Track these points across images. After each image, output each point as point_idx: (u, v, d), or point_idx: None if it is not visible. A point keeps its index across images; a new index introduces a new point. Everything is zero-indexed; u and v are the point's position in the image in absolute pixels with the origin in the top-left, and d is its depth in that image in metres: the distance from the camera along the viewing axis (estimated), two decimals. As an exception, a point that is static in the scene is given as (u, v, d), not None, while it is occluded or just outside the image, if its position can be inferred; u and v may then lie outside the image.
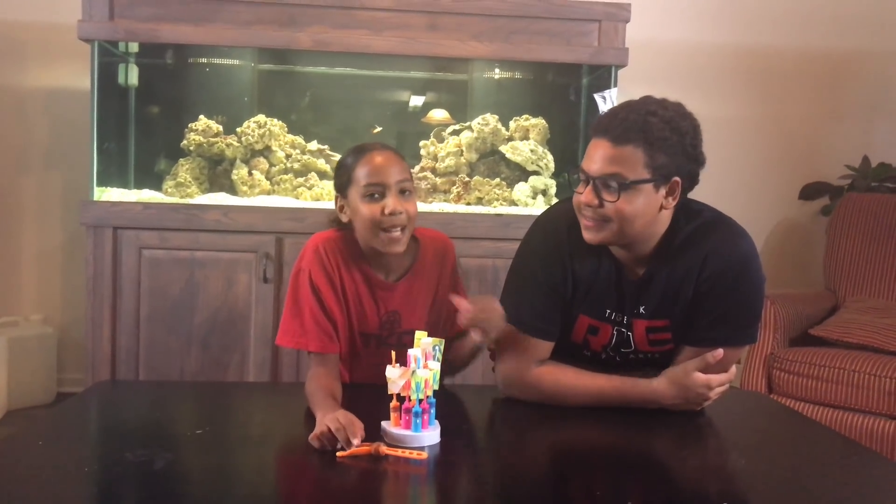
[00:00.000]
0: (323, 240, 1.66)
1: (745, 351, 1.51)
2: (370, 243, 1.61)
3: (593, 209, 1.41)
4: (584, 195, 1.42)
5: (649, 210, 1.41)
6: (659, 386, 1.48)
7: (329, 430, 1.24)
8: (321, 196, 2.98)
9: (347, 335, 1.66)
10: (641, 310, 1.52)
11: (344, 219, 1.65)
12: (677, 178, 1.41)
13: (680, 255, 1.47)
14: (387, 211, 1.56)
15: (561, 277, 1.52)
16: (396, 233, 1.58)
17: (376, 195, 1.57)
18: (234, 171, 2.98)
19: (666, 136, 1.40)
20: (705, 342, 1.46)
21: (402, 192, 1.59)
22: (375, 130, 3.26)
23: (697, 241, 1.47)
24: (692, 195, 1.50)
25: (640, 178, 1.38)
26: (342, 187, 1.64)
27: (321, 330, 1.61)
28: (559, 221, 1.55)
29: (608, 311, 1.54)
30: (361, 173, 1.58)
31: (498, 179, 3.06)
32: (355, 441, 1.23)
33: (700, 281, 1.46)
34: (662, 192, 1.41)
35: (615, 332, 1.55)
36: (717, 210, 1.54)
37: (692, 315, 1.48)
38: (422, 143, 3.18)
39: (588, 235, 1.45)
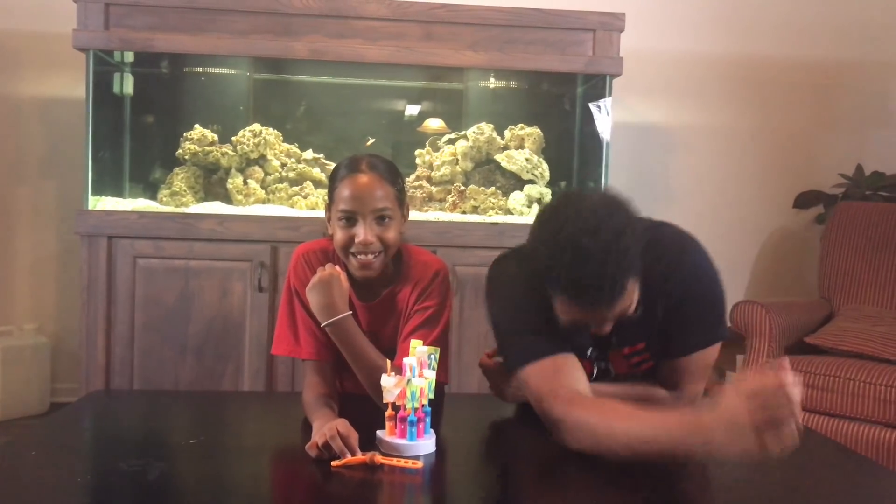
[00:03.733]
0: (306, 250, 1.66)
1: (717, 352, 1.47)
2: (345, 263, 1.61)
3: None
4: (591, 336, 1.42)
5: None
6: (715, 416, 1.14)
7: (325, 439, 1.23)
8: (316, 205, 2.98)
9: (327, 344, 1.61)
10: (614, 341, 1.51)
11: (329, 231, 1.63)
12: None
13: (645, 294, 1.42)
14: (357, 240, 1.54)
15: (545, 303, 1.41)
16: (366, 258, 1.56)
17: (350, 221, 1.55)
18: (230, 180, 2.98)
19: (635, 265, 1.30)
20: (684, 351, 1.46)
21: (381, 219, 1.56)
22: (369, 142, 3.26)
23: (649, 266, 1.39)
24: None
25: (636, 304, 1.36)
26: (329, 200, 1.63)
27: (313, 338, 1.60)
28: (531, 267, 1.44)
29: (588, 350, 1.52)
30: (341, 195, 1.56)
31: (493, 188, 3.06)
32: (349, 455, 1.22)
33: (668, 307, 1.45)
34: None
35: (595, 368, 1.54)
36: (651, 222, 1.47)
37: (664, 331, 1.47)
38: (417, 151, 3.18)
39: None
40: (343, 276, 1.56)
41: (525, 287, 1.44)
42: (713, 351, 1.48)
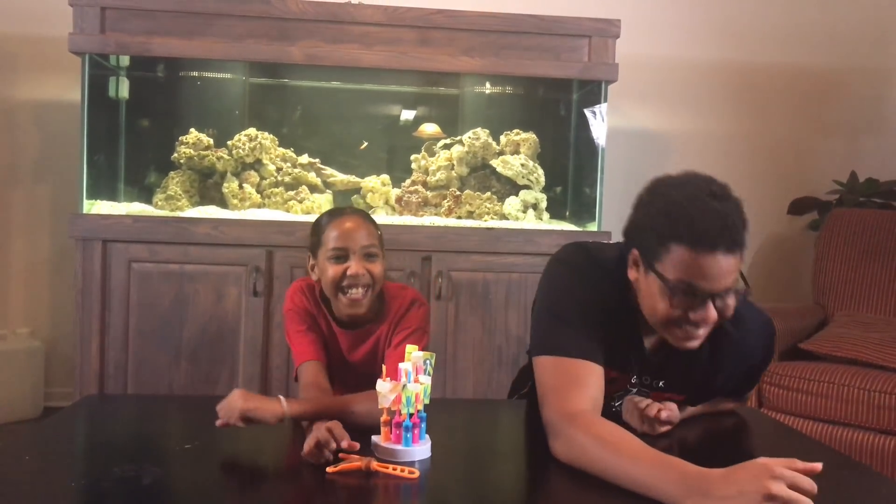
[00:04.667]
0: (301, 285, 1.79)
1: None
2: (334, 304, 1.72)
3: (711, 320, 1.31)
4: (708, 313, 1.28)
5: None
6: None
7: (317, 442, 1.25)
8: (312, 209, 2.98)
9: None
10: (660, 384, 1.51)
11: (314, 277, 1.74)
12: None
13: (716, 347, 1.45)
14: (349, 273, 1.66)
15: (602, 309, 1.40)
16: (357, 293, 1.67)
17: (341, 258, 1.67)
18: (225, 185, 2.98)
19: (747, 231, 1.30)
20: (718, 395, 1.51)
21: (368, 255, 1.68)
22: (362, 146, 3.27)
23: (739, 344, 1.46)
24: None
25: (742, 278, 1.31)
26: (314, 248, 1.74)
27: (303, 345, 1.71)
28: (602, 265, 1.44)
29: (631, 375, 1.50)
30: (330, 237, 1.69)
31: (489, 193, 3.06)
32: (343, 444, 1.26)
33: (731, 363, 1.50)
34: None
35: (627, 388, 1.53)
36: (756, 308, 1.52)
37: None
38: (413, 156, 3.18)
39: (693, 345, 1.34)
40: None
41: (589, 281, 1.41)
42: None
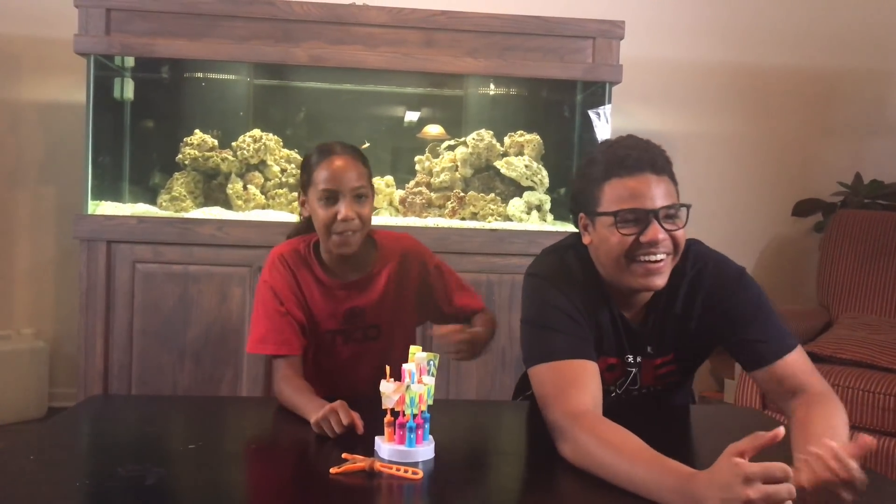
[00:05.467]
0: (280, 252, 1.78)
1: (802, 358, 1.47)
2: (324, 243, 1.72)
3: (664, 245, 1.38)
4: (654, 231, 1.35)
5: None
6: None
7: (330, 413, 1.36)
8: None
9: (314, 334, 1.76)
10: (648, 349, 1.54)
11: (304, 213, 1.76)
12: None
13: (686, 297, 1.49)
14: (339, 217, 1.66)
15: (581, 306, 1.44)
16: (347, 236, 1.68)
17: (331, 200, 1.67)
18: (229, 186, 2.99)
19: (671, 164, 1.43)
20: (779, 353, 1.44)
21: (358, 197, 1.68)
22: (364, 146, 3.27)
23: (702, 286, 1.49)
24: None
25: (678, 202, 1.40)
26: (304, 185, 1.74)
27: (285, 333, 1.70)
28: (567, 261, 1.51)
29: (627, 355, 1.54)
30: (320, 177, 1.68)
31: (492, 195, 3.06)
32: (358, 423, 1.37)
33: (702, 305, 1.49)
34: None
35: (627, 371, 1.56)
36: (695, 242, 1.54)
37: (728, 341, 1.49)
38: (417, 158, 3.19)
39: (659, 280, 1.40)
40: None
41: (561, 283, 1.46)
42: (800, 356, 1.46)
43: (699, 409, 1.73)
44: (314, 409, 1.43)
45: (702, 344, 1.56)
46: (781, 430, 1.05)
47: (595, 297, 1.47)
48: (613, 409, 1.34)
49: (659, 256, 1.38)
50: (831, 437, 1.18)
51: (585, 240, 1.48)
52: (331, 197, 1.67)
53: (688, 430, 1.53)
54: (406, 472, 1.20)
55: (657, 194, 1.36)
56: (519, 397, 1.88)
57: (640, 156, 1.37)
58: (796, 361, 1.44)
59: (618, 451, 1.18)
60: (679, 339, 1.54)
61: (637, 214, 1.36)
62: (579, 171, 1.48)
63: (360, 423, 1.38)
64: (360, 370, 1.78)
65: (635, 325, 1.52)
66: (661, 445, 1.19)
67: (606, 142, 1.48)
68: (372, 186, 1.75)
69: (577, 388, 1.33)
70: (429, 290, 1.84)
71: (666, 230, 1.37)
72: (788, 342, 1.45)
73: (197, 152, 2.98)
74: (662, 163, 1.39)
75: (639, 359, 1.55)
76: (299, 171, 1.80)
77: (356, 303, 1.76)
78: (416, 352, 1.33)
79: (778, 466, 1.00)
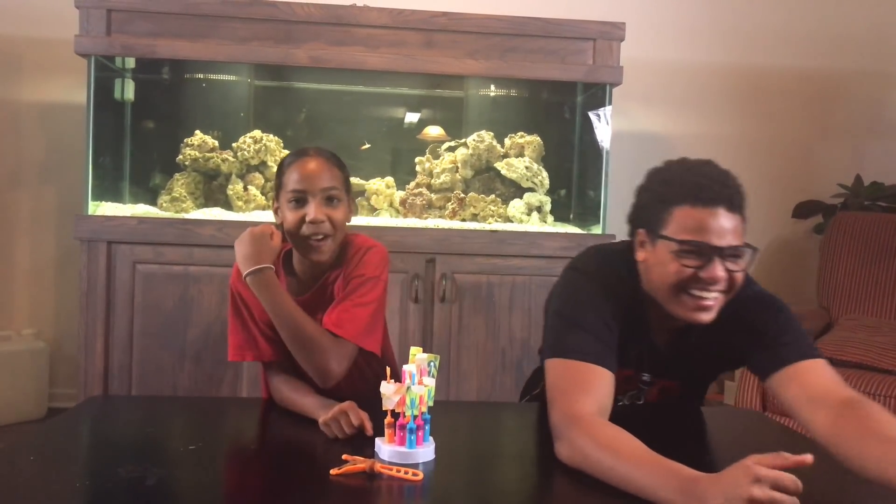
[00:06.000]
0: None
1: (826, 366, 1.39)
2: (295, 251, 1.64)
3: (721, 283, 1.34)
4: (715, 269, 1.31)
5: None
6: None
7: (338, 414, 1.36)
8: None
9: (282, 344, 1.62)
10: (664, 372, 1.55)
11: (277, 220, 1.66)
12: None
13: (715, 328, 1.42)
14: (308, 219, 1.57)
15: (615, 315, 1.41)
16: (317, 240, 1.59)
17: (300, 202, 1.59)
18: (230, 187, 2.99)
19: (745, 202, 1.38)
20: (778, 364, 1.39)
21: (329, 199, 1.60)
22: (364, 147, 3.27)
23: (739, 316, 1.44)
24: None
25: (748, 245, 1.36)
26: (276, 190, 1.67)
27: (271, 341, 1.63)
28: (614, 267, 1.47)
29: (643, 374, 1.54)
30: (290, 179, 1.60)
31: (493, 196, 3.06)
32: (367, 424, 1.36)
33: (730, 336, 1.45)
34: None
35: (638, 386, 1.57)
36: (759, 287, 1.52)
37: (748, 353, 1.45)
38: (417, 159, 3.19)
39: (707, 316, 1.36)
40: (276, 235, 1.60)
41: (601, 286, 1.43)
42: (823, 363, 1.39)
43: (696, 412, 1.73)
44: (319, 408, 1.43)
45: (717, 368, 1.57)
46: (810, 457, 1.02)
47: (631, 311, 1.44)
48: (618, 416, 1.34)
49: (713, 294, 1.34)
50: None
51: (639, 256, 1.42)
52: (300, 199, 1.59)
53: (687, 432, 1.53)
54: (406, 473, 1.20)
55: (727, 232, 1.31)
56: (526, 396, 1.88)
57: (719, 189, 1.32)
58: (821, 367, 1.37)
59: (616, 452, 1.17)
60: (695, 366, 1.53)
61: (702, 248, 1.31)
62: (648, 185, 1.42)
63: (368, 425, 1.36)
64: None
65: (661, 347, 1.50)
66: (661, 448, 1.19)
67: (684, 162, 1.40)
68: (348, 192, 1.66)
69: (585, 391, 1.31)
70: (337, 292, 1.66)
71: (728, 269, 1.33)
72: (812, 350, 1.39)
73: (197, 153, 2.98)
74: (739, 200, 1.34)
75: (651, 377, 1.56)
76: (274, 177, 1.70)
77: (315, 311, 1.63)
78: (416, 353, 1.33)
79: (790, 478, 0.99)
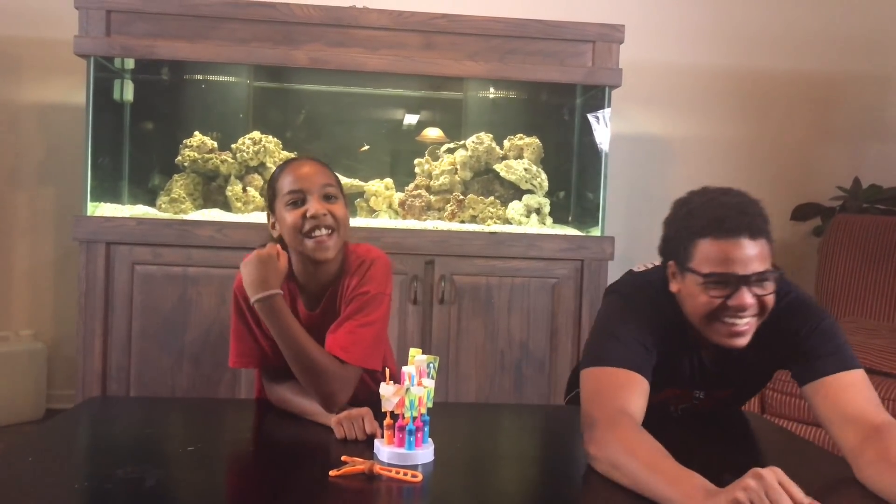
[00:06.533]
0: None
1: (862, 380, 1.39)
2: (299, 251, 1.59)
3: (751, 309, 1.37)
4: (742, 298, 1.35)
5: None
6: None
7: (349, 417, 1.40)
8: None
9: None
10: (716, 386, 1.60)
11: (275, 234, 1.64)
12: None
13: (760, 335, 1.45)
14: (309, 214, 1.55)
15: (654, 339, 1.45)
16: (322, 234, 1.56)
17: (298, 202, 1.57)
18: (229, 188, 2.98)
19: (769, 223, 1.41)
20: (813, 376, 1.41)
21: (327, 196, 1.59)
22: (363, 149, 3.27)
23: (777, 326, 1.46)
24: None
25: (773, 267, 1.39)
26: (271, 203, 1.64)
27: (261, 347, 1.63)
28: (651, 291, 1.50)
29: (696, 391, 1.60)
30: (284, 183, 1.59)
31: (492, 198, 3.06)
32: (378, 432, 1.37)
33: (775, 346, 1.48)
34: None
35: (692, 400, 1.63)
36: (798, 290, 1.54)
37: (790, 360, 1.48)
38: (416, 160, 3.19)
39: (741, 341, 1.40)
40: (283, 257, 1.59)
41: (640, 305, 1.47)
42: (859, 376, 1.40)
43: (696, 414, 1.73)
44: (319, 409, 1.49)
45: (765, 375, 1.63)
46: None
47: (674, 333, 1.47)
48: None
49: (745, 320, 1.38)
50: None
51: (673, 287, 1.46)
52: (297, 200, 1.57)
53: (687, 435, 1.53)
54: (405, 474, 1.20)
55: (751, 260, 1.34)
56: (571, 392, 1.94)
57: (738, 219, 1.34)
58: (857, 382, 1.38)
59: (636, 455, 1.19)
60: (743, 377, 1.59)
61: (728, 279, 1.35)
62: (673, 217, 1.45)
63: (379, 433, 1.37)
64: None
65: (708, 364, 1.54)
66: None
67: (705, 193, 1.43)
68: (343, 195, 1.64)
69: (618, 395, 1.34)
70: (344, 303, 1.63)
71: (756, 294, 1.36)
72: (849, 361, 1.40)
73: (196, 154, 2.98)
74: (760, 224, 1.36)
75: (703, 393, 1.61)
76: (266, 193, 1.67)
77: (320, 334, 1.60)
78: (415, 354, 1.33)
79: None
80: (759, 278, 1.36)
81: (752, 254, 1.34)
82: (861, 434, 1.28)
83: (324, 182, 1.59)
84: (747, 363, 1.51)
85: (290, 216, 1.57)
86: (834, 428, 1.34)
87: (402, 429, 1.28)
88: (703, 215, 1.37)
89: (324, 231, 1.56)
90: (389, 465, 1.24)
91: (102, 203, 2.88)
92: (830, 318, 1.48)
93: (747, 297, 1.35)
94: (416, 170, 3.17)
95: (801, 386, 1.43)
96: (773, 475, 1.01)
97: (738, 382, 1.61)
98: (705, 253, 1.36)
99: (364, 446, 1.31)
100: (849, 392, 1.36)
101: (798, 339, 1.45)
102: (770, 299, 1.38)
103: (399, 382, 1.30)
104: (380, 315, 1.60)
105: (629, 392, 1.35)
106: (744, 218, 1.34)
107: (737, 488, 1.01)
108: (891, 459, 1.20)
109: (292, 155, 3.09)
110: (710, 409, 1.66)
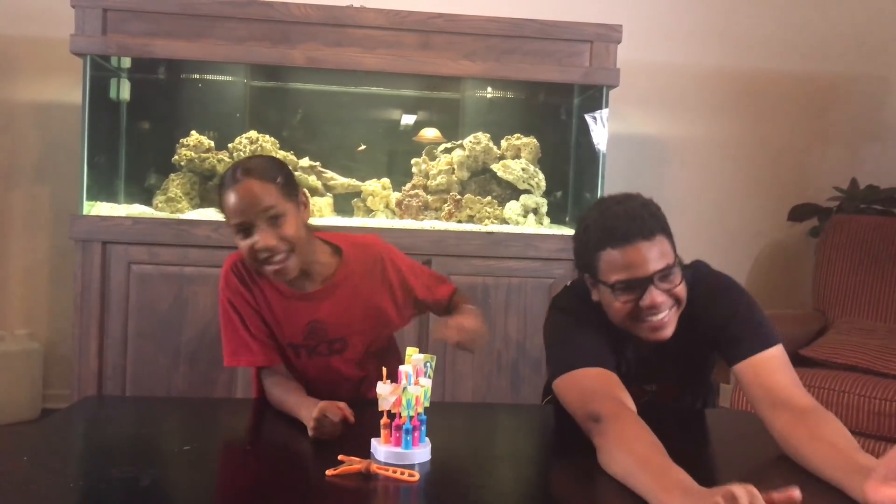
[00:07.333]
0: (233, 260, 1.67)
1: (782, 358, 1.46)
2: (261, 274, 1.62)
3: (664, 304, 1.42)
4: (652, 297, 1.40)
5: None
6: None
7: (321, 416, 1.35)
8: (312, 213, 2.97)
9: (276, 347, 1.68)
10: (663, 377, 1.63)
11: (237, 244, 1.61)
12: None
13: (686, 321, 1.50)
14: (256, 248, 1.53)
15: (597, 331, 1.50)
16: (277, 264, 1.55)
17: (247, 231, 1.54)
18: (225, 187, 2.98)
19: (664, 218, 1.46)
20: (739, 357, 1.46)
21: (273, 219, 1.53)
22: (360, 148, 3.27)
23: (697, 306, 1.51)
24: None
25: (675, 259, 1.43)
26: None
27: (264, 345, 1.65)
28: (586, 299, 1.54)
29: (645, 384, 1.61)
30: (228, 211, 1.55)
31: (489, 198, 3.06)
32: (348, 412, 1.37)
33: (713, 327, 1.51)
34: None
35: (644, 397, 1.62)
36: (696, 265, 1.59)
37: (718, 345, 1.52)
38: (413, 160, 3.18)
39: (666, 332, 1.45)
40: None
41: (580, 315, 1.51)
42: (780, 354, 1.46)
43: (693, 414, 1.73)
44: (302, 407, 1.45)
45: (702, 359, 1.64)
46: (797, 495, 1.02)
47: (610, 334, 1.50)
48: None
49: (661, 314, 1.42)
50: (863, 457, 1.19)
51: (594, 297, 1.50)
52: (245, 229, 1.53)
53: (686, 434, 1.53)
54: (402, 474, 1.20)
55: (650, 260, 1.39)
56: (546, 398, 1.94)
57: (628, 226, 1.39)
58: (778, 362, 1.44)
59: (635, 451, 1.20)
60: (687, 364, 1.61)
61: (633, 284, 1.40)
62: (576, 233, 1.51)
63: (349, 413, 1.38)
64: (335, 380, 1.73)
65: (647, 355, 1.57)
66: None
67: (600, 205, 1.49)
68: (293, 198, 1.58)
69: (596, 391, 1.37)
70: (409, 290, 1.76)
71: (665, 289, 1.41)
72: (768, 339, 1.46)
73: (193, 153, 2.97)
74: (652, 224, 1.40)
75: (655, 386, 1.64)
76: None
77: (317, 316, 1.66)
78: (412, 353, 1.33)
79: None
80: (664, 275, 1.40)
81: (650, 254, 1.38)
82: (790, 416, 1.33)
83: (265, 206, 1.51)
84: (681, 350, 1.54)
85: (242, 244, 1.55)
86: (764, 408, 1.39)
87: (398, 428, 1.27)
88: (598, 228, 1.43)
89: (279, 258, 1.55)
90: (386, 464, 1.24)
91: (99, 202, 2.87)
92: (746, 295, 1.53)
93: (657, 295, 1.40)
94: (414, 170, 3.17)
95: (730, 367, 1.49)
96: (746, 495, 0.99)
97: (680, 370, 1.63)
98: (607, 263, 1.41)
99: (361, 446, 1.31)
100: (775, 374, 1.42)
101: (718, 323, 1.49)
102: (680, 290, 1.43)
103: (396, 381, 1.30)
104: (417, 265, 1.82)
105: (614, 384, 1.40)
106: (633, 223, 1.39)
107: (716, 495, 1.00)
108: (822, 438, 1.26)
109: (289, 155, 3.09)
110: (668, 403, 1.68)
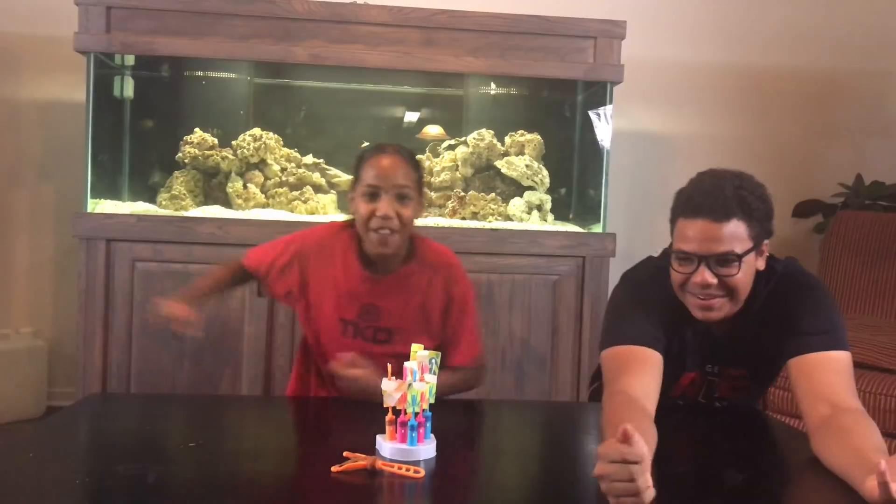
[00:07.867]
0: (332, 227, 1.82)
1: (843, 363, 1.43)
2: (363, 239, 1.71)
3: (714, 288, 1.43)
4: (702, 276, 1.41)
5: (751, 276, 1.47)
6: None
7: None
8: (316, 210, 2.98)
9: (329, 317, 1.76)
10: (728, 359, 1.61)
11: (351, 209, 1.74)
12: (766, 241, 1.48)
13: (763, 312, 1.52)
14: (378, 213, 1.65)
15: (661, 312, 1.51)
16: (385, 234, 1.66)
17: (373, 196, 1.66)
18: (229, 185, 2.98)
19: (758, 206, 1.44)
20: (800, 351, 1.45)
21: (401, 197, 1.67)
22: (364, 145, 3.26)
23: (777, 299, 1.52)
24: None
25: (746, 249, 1.42)
26: (354, 181, 1.74)
27: (268, 255, 1.82)
28: (660, 276, 1.54)
29: (707, 365, 1.61)
30: (366, 174, 1.68)
31: (493, 194, 3.06)
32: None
33: (776, 322, 1.51)
34: (757, 257, 1.47)
35: (708, 381, 1.63)
36: (788, 262, 1.59)
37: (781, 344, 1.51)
38: (417, 157, 3.17)
39: (713, 315, 1.46)
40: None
41: (646, 291, 1.53)
42: (842, 359, 1.43)
43: (697, 409, 1.72)
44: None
45: (774, 355, 1.58)
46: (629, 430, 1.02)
47: (679, 313, 1.51)
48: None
49: (711, 298, 1.43)
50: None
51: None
52: (373, 193, 1.66)
53: (690, 431, 1.53)
54: (407, 470, 1.20)
55: (712, 240, 1.39)
56: (594, 384, 1.97)
57: (702, 201, 1.40)
58: (840, 364, 1.42)
59: (608, 421, 1.27)
60: (755, 354, 1.59)
61: (689, 256, 1.42)
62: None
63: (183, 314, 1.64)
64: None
65: (719, 336, 1.57)
66: (662, 445, 1.19)
67: (701, 173, 1.49)
68: (420, 191, 1.74)
69: (629, 372, 1.41)
70: (446, 319, 1.79)
71: (720, 274, 1.41)
72: (835, 342, 1.44)
73: (197, 151, 2.97)
74: (731, 207, 1.39)
75: (717, 368, 1.62)
76: (353, 168, 1.80)
77: (375, 300, 1.75)
78: (417, 350, 1.33)
79: (614, 450, 1.02)
80: (722, 259, 1.40)
81: (714, 234, 1.38)
82: (828, 411, 1.32)
83: (400, 182, 1.67)
84: (753, 341, 1.55)
85: (363, 208, 1.67)
86: (805, 402, 1.39)
87: (404, 424, 1.27)
88: (683, 195, 1.45)
89: (387, 231, 1.66)
90: (392, 460, 1.23)
91: (103, 200, 2.87)
92: (829, 299, 1.52)
93: (708, 276, 1.40)
94: (417, 166, 3.16)
95: (787, 360, 1.47)
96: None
97: (751, 363, 1.62)
98: (678, 230, 1.44)
99: (366, 442, 1.31)
100: (829, 373, 1.40)
101: (793, 315, 1.48)
102: (737, 281, 1.42)
103: (401, 378, 1.30)
104: (475, 309, 1.83)
105: (639, 367, 1.42)
106: (710, 199, 1.39)
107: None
108: (849, 435, 1.25)
109: (293, 152, 3.09)
110: (729, 397, 1.66)
